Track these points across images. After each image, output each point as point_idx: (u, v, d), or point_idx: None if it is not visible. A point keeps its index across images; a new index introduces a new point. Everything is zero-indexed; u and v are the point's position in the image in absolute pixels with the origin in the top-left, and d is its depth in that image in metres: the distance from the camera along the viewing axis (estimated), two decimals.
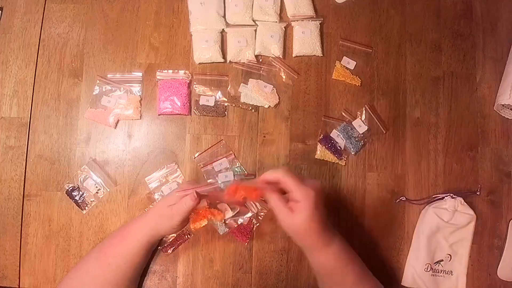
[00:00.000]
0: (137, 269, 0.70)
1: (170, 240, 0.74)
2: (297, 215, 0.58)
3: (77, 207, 0.74)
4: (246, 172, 0.76)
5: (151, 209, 0.70)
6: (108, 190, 0.75)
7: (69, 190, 0.74)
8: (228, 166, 0.75)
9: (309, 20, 0.79)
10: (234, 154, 0.76)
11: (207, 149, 0.76)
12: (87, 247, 0.74)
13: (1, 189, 0.75)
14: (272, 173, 0.61)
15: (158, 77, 0.77)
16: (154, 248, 0.72)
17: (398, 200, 0.76)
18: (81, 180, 0.74)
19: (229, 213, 0.72)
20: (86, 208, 0.74)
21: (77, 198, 0.74)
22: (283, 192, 0.61)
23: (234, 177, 0.75)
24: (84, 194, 0.74)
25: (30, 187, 0.75)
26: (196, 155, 0.76)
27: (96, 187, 0.74)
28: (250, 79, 0.77)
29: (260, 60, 0.79)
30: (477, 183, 0.77)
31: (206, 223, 0.67)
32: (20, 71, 0.78)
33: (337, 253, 0.62)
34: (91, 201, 0.74)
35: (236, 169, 0.76)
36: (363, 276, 0.65)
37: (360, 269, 0.65)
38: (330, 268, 0.63)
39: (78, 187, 0.74)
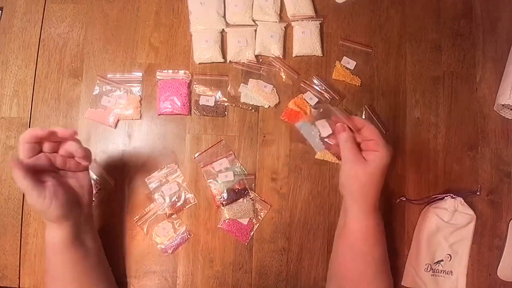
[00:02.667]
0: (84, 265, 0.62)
1: (170, 240, 0.74)
2: (372, 163, 0.58)
3: None
4: (246, 172, 0.76)
5: None
6: (109, 186, 0.74)
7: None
8: (228, 166, 0.75)
9: (309, 20, 0.79)
10: (234, 154, 0.76)
11: (207, 149, 0.76)
12: None
13: (1, 189, 0.75)
14: (359, 118, 0.61)
15: (158, 77, 0.77)
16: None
17: (398, 200, 0.76)
18: None
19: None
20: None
21: None
22: None
23: (234, 177, 0.75)
24: None
25: None
26: (196, 155, 0.76)
27: (97, 187, 0.74)
28: (250, 79, 0.78)
29: (260, 60, 0.79)
30: (477, 183, 0.77)
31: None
32: (20, 71, 0.78)
33: (378, 223, 0.62)
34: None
35: (236, 169, 0.76)
36: (385, 262, 0.64)
37: (384, 253, 0.64)
38: (366, 233, 0.61)
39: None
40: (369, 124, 0.60)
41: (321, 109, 0.65)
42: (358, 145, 0.62)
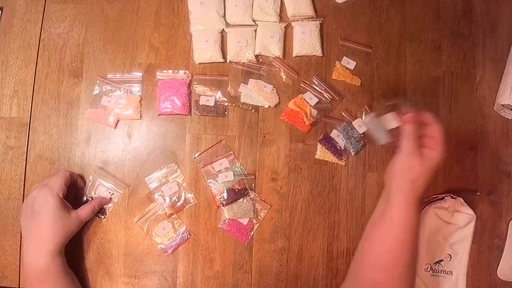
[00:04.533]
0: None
1: (170, 240, 0.74)
2: (428, 159, 0.61)
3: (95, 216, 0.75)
4: (246, 172, 0.76)
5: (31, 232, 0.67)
6: (121, 192, 0.75)
7: (84, 202, 0.73)
8: (228, 166, 0.75)
9: (309, 20, 0.79)
10: (234, 154, 0.76)
11: (207, 149, 0.76)
12: (86, 247, 0.74)
13: (1, 189, 0.75)
14: (429, 115, 0.63)
15: (158, 77, 0.77)
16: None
17: None
18: (93, 190, 0.74)
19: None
20: (105, 214, 0.74)
21: None
22: None
23: (234, 177, 0.75)
24: None
25: (30, 187, 0.75)
26: (196, 155, 0.76)
27: (109, 192, 0.74)
28: (250, 79, 0.77)
29: (260, 60, 0.79)
30: (477, 183, 0.77)
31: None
32: (20, 71, 0.78)
33: (419, 217, 0.62)
34: (108, 207, 0.74)
35: (236, 169, 0.76)
36: (415, 253, 0.63)
37: (416, 246, 0.63)
38: (408, 225, 0.61)
39: (92, 197, 0.74)
40: (438, 123, 0.63)
41: (389, 103, 0.66)
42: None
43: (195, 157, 0.76)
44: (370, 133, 0.69)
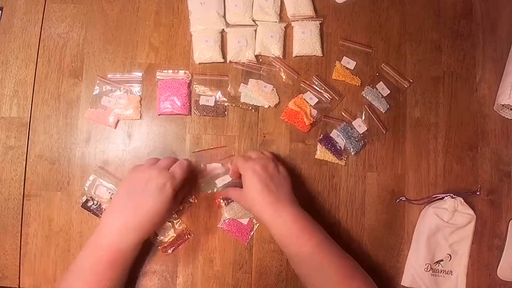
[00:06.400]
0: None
1: (170, 240, 0.74)
2: (243, 187, 0.66)
3: (93, 215, 0.74)
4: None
5: (124, 202, 0.63)
6: None
7: (84, 202, 0.74)
8: (220, 171, 0.75)
9: (309, 20, 0.79)
10: (230, 161, 0.76)
11: (209, 149, 0.76)
12: None
13: (1, 189, 0.75)
14: (234, 164, 0.71)
15: (158, 77, 0.77)
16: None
17: (398, 200, 0.76)
18: (93, 190, 0.74)
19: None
20: None
21: (93, 207, 0.74)
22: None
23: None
24: (99, 202, 0.74)
25: (30, 187, 0.75)
26: (195, 150, 0.76)
27: (109, 192, 0.74)
28: (250, 79, 0.77)
29: (260, 60, 0.79)
30: (477, 183, 0.77)
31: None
32: (20, 71, 0.78)
33: (289, 222, 0.63)
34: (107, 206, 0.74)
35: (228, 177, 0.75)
36: (324, 247, 0.63)
37: (320, 239, 0.64)
38: (284, 239, 0.63)
39: (91, 197, 0.74)
40: (236, 160, 0.71)
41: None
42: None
43: (193, 152, 0.76)
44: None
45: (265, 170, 0.67)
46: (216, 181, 0.74)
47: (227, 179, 0.74)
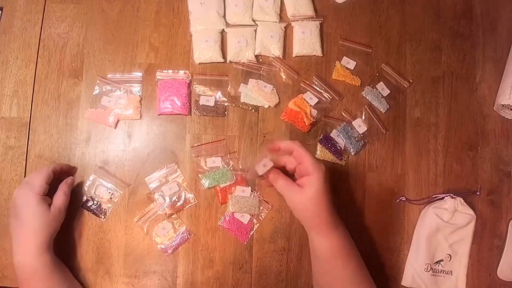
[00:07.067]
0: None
1: (170, 240, 0.74)
2: (309, 188, 0.59)
3: (93, 215, 0.74)
4: (235, 178, 0.75)
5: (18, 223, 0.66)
6: (121, 192, 0.75)
7: (84, 202, 0.74)
8: (220, 165, 0.75)
9: (309, 20, 0.79)
10: (229, 157, 0.76)
11: (207, 143, 0.76)
12: (86, 247, 0.74)
13: (1, 189, 0.75)
14: (287, 143, 0.62)
15: (158, 77, 0.77)
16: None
17: (398, 200, 0.76)
18: (93, 190, 0.74)
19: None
20: (106, 214, 0.74)
21: (93, 207, 0.74)
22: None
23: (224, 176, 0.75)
24: (99, 202, 0.74)
25: None
26: (194, 144, 0.76)
27: (109, 192, 0.74)
28: (250, 79, 0.77)
29: (260, 60, 0.79)
30: (477, 183, 0.77)
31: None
32: (20, 71, 0.78)
33: (342, 239, 0.62)
34: (108, 207, 0.74)
35: (227, 172, 0.75)
36: (362, 272, 0.64)
37: (361, 260, 0.65)
38: (333, 254, 0.61)
39: (91, 197, 0.74)
40: (298, 147, 0.61)
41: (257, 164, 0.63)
42: (293, 173, 0.63)
43: (192, 147, 0.76)
44: None
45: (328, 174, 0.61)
46: (256, 167, 0.62)
47: (268, 164, 0.61)
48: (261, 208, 0.75)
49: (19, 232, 0.66)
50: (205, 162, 0.75)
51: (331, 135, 0.77)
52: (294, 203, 0.61)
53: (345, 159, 0.77)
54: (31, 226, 0.65)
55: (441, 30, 0.81)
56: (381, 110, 0.78)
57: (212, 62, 0.78)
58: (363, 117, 0.78)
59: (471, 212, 0.74)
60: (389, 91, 0.78)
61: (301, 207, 0.60)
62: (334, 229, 0.61)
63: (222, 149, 0.76)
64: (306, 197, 0.59)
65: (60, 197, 0.69)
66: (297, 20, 0.79)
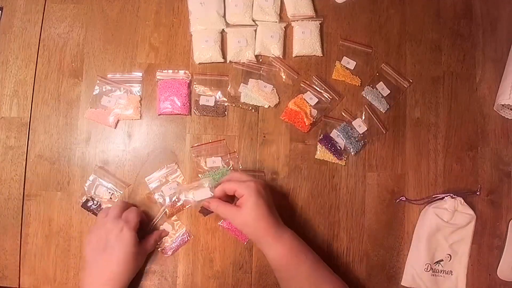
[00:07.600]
0: None
1: (170, 242, 0.74)
2: (244, 206, 0.63)
3: (93, 215, 0.74)
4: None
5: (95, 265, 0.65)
6: (121, 192, 0.75)
7: (84, 202, 0.74)
8: (220, 165, 0.75)
9: (309, 20, 0.79)
10: (229, 157, 0.76)
11: (207, 143, 0.76)
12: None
13: (1, 189, 0.75)
14: (218, 189, 0.67)
15: (158, 77, 0.77)
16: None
17: (398, 200, 0.76)
18: (93, 190, 0.74)
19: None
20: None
21: (93, 207, 0.74)
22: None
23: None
24: (99, 202, 0.74)
25: (30, 187, 0.75)
26: (194, 144, 0.76)
27: (109, 192, 0.74)
28: (250, 79, 0.77)
29: (260, 60, 0.79)
30: (477, 183, 0.77)
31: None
32: (20, 71, 0.78)
33: (290, 243, 0.65)
34: (107, 207, 0.74)
35: (226, 171, 0.75)
36: (319, 266, 0.66)
37: (315, 259, 0.66)
38: (285, 259, 0.64)
39: (91, 197, 0.74)
40: (227, 182, 0.66)
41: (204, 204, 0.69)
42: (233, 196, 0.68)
43: (191, 147, 0.76)
44: None
45: (266, 191, 0.66)
46: (194, 194, 0.68)
47: (207, 195, 0.67)
48: None
49: (104, 267, 0.64)
50: (205, 162, 0.75)
51: (331, 135, 0.77)
52: (237, 222, 0.65)
53: (345, 159, 0.77)
54: (122, 266, 0.65)
55: (441, 30, 0.81)
56: (381, 110, 0.78)
57: (212, 62, 0.78)
58: (363, 117, 0.78)
59: (471, 212, 0.74)
60: (389, 91, 0.78)
61: (244, 224, 0.65)
62: (279, 238, 0.64)
63: (222, 149, 0.76)
64: (245, 214, 0.63)
65: (151, 244, 0.71)
66: (297, 20, 0.79)
